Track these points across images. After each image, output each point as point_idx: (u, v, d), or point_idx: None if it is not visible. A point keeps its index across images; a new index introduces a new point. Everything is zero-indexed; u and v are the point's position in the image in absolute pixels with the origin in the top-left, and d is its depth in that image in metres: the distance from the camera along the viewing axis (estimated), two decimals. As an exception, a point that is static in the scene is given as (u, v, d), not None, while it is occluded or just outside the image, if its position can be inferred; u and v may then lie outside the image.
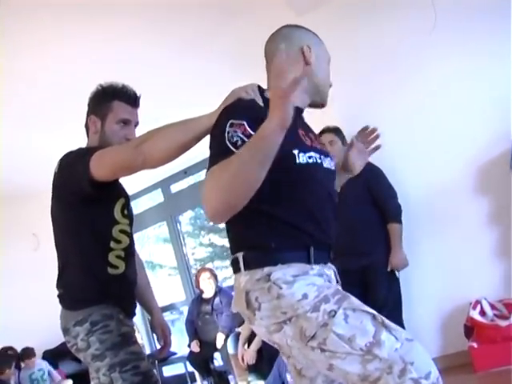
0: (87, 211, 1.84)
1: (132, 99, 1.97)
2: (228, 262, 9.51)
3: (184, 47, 4.12)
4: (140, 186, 6.35)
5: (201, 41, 4.06)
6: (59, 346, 6.12)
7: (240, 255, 1.44)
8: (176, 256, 6.69)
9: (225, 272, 8.53)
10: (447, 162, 3.72)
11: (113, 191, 1.93)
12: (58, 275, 1.94)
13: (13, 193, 6.14)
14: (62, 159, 1.90)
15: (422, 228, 3.74)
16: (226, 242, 9.86)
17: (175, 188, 6.65)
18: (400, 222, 3.51)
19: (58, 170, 1.89)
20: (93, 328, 1.79)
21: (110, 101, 1.93)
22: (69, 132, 4.90)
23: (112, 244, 1.90)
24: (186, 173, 6.31)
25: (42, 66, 3.94)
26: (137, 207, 6.76)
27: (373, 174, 3.52)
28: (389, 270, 3.45)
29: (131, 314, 2.00)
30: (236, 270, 1.46)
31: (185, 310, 6.57)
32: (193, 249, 9.22)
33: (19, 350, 5.62)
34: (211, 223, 9.92)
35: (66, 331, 1.86)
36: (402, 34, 3.81)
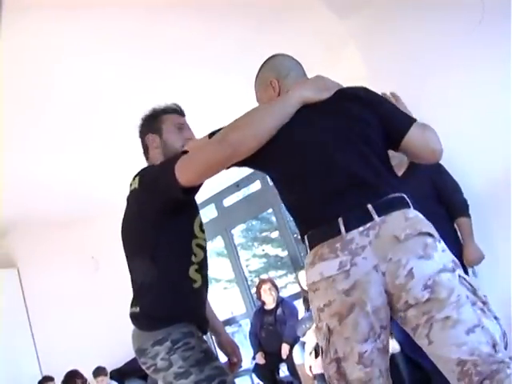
0: (171, 226, 1.84)
1: (177, 108, 2.10)
2: (283, 272, 9.49)
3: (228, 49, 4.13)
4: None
5: (243, 46, 4.08)
6: (124, 365, 6.25)
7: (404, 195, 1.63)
8: (233, 269, 6.70)
9: (279, 282, 8.52)
10: (504, 157, 3.62)
11: (194, 206, 1.97)
12: (135, 294, 1.92)
13: (72, 218, 6.29)
14: (141, 175, 1.90)
15: (487, 222, 3.63)
16: (279, 252, 9.84)
17: (228, 202, 6.69)
18: (469, 215, 3.42)
19: (140, 185, 1.87)
20: (174, 346, 1.74)
21: (161, 116, 2.05)
22: (125, 157, 5.06)
23: (192, 257, 1.90)
24: (238, 186, 6.34)
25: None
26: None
27: (436, 169, 3.45)
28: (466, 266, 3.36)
29: (206, 331, 1.98)
30: (403, 205, 1.59)
31: (243, 322, 6.59)
32: (246, 261, 9.25)
33: (89, 369, 5.71)
34: (264, 234, 9.95)
35: (141, 352, 1.80)
36: (445, 33, 3.73)
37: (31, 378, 5.72)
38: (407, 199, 1.60)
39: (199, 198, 1.92)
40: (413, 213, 1.58)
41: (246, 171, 5.88)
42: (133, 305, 1.90)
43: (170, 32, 3.65)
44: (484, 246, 3.47)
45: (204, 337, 1.94)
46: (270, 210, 6.52)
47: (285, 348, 4.92)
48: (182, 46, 3.87)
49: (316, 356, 4.33)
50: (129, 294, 5.94)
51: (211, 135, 1.76)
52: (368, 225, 1.51)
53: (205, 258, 1.99)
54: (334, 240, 1.53)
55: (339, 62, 4.41)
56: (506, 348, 1.44)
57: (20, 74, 3.53)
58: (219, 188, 6.34)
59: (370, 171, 1.61)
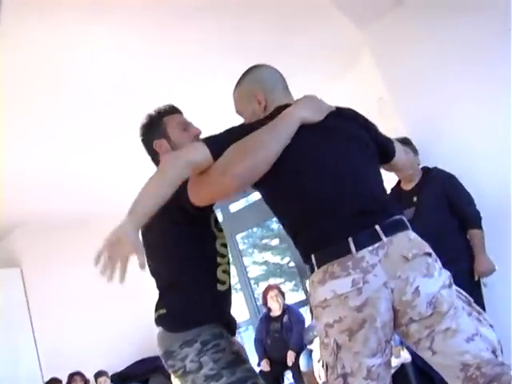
0: (193, 228, 1.82)
1: (173, 108, 2.05)
2: (282, 280, 9.46)
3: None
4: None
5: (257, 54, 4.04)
6: (125, 369, 6.22)
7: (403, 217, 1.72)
8: (238, 275, 6.67)
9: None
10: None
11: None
12: (161, 296, 1.88)
13: (78, 218, 6.24)
14: None
15: (499, 234, 3.62)
16: (279, 260, 9.82)
17: (234, 208, 6.67)
18: (481, 227, 3.45)
19: None
20: (204, 348, 1.71)
21: (161, 119, 2.00)
22: (132, 157, 5.03)
23: (218, 259, 1.88)
24: (244, 191, 6.31)
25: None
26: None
27: (449, 181, 3.52)
28: (476, 278, 3.38)
29: (234, 332, 1.96)
30: (405, 227, 1.67)
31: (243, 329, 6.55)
32: (247, 267, 9.23)
33: (89, 373, 5.67)
34: (264, 241, 9.92)
35: (168, 354, 1.77)
36: (472, 38, 3.68)
37: (31, 380, 5.67)
38: (406, 221, 1.68)
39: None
40: (412, 234, 1.66)
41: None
42: (158, 307, 1.87)
43: (181, 36, 3.61)
44: (496, 258, 3.47)
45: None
46: (275, 218, 6.48)
47: (290, 355, 4.90)
48: (194, 50, 3.83)
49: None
50: (134, 297, 5.89)
51: (208, 143, 1.69)
52: (377, 244, 1.57)
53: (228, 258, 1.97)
54: (344, 259, 1.56)
55: (355, 72, 4.41)
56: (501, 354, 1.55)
57: (28, 71, 3.45)
58: (226, 193, 6.28)
59: (375, 193, 1.70)
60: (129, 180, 5.64)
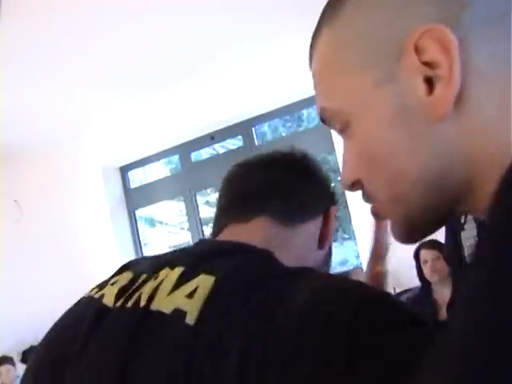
0: None
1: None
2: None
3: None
4: (154, 148, 5.04)
5: None
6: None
7: None
8: (188, 215, 5.34)
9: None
10: None
11: None
12: None
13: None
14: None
15: None
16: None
17: (197, 156, 5.25)
18: None
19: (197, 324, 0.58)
20: None
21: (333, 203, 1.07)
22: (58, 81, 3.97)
23: None
24: (213, 138, 4.92)
25: None
26: (146, 176, 5.46)
27: None
28: None
29: None
30: None
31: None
32: (198, 207, 8.16)
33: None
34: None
35: None
36: None
37: None
38: None
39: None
40: None
41: (224, 121, 4.61)
42: None
43: None
44: None
45: None
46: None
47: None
48: None
49: None
50: (56, 251, 4.40)
51: None
52: None
53: None
54: None
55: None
56: None
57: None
58: (188, 137, 4.89)
59: None
60: (56, 114, 4.56)
